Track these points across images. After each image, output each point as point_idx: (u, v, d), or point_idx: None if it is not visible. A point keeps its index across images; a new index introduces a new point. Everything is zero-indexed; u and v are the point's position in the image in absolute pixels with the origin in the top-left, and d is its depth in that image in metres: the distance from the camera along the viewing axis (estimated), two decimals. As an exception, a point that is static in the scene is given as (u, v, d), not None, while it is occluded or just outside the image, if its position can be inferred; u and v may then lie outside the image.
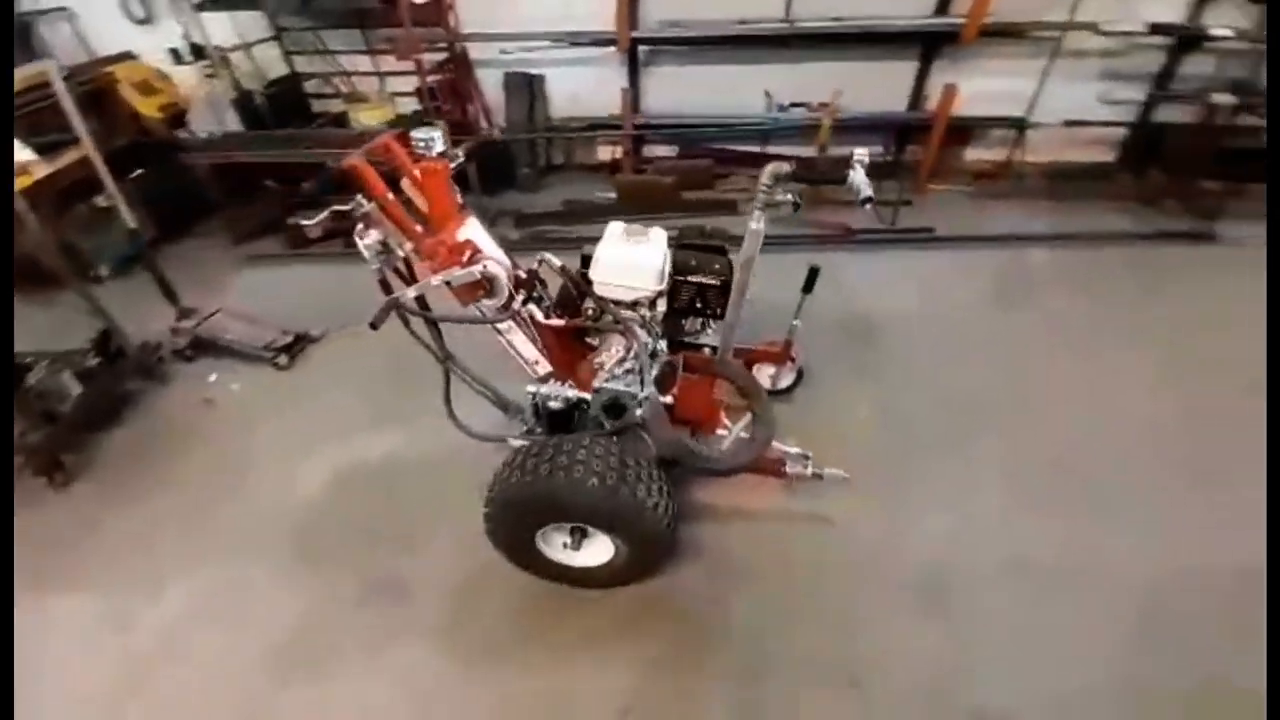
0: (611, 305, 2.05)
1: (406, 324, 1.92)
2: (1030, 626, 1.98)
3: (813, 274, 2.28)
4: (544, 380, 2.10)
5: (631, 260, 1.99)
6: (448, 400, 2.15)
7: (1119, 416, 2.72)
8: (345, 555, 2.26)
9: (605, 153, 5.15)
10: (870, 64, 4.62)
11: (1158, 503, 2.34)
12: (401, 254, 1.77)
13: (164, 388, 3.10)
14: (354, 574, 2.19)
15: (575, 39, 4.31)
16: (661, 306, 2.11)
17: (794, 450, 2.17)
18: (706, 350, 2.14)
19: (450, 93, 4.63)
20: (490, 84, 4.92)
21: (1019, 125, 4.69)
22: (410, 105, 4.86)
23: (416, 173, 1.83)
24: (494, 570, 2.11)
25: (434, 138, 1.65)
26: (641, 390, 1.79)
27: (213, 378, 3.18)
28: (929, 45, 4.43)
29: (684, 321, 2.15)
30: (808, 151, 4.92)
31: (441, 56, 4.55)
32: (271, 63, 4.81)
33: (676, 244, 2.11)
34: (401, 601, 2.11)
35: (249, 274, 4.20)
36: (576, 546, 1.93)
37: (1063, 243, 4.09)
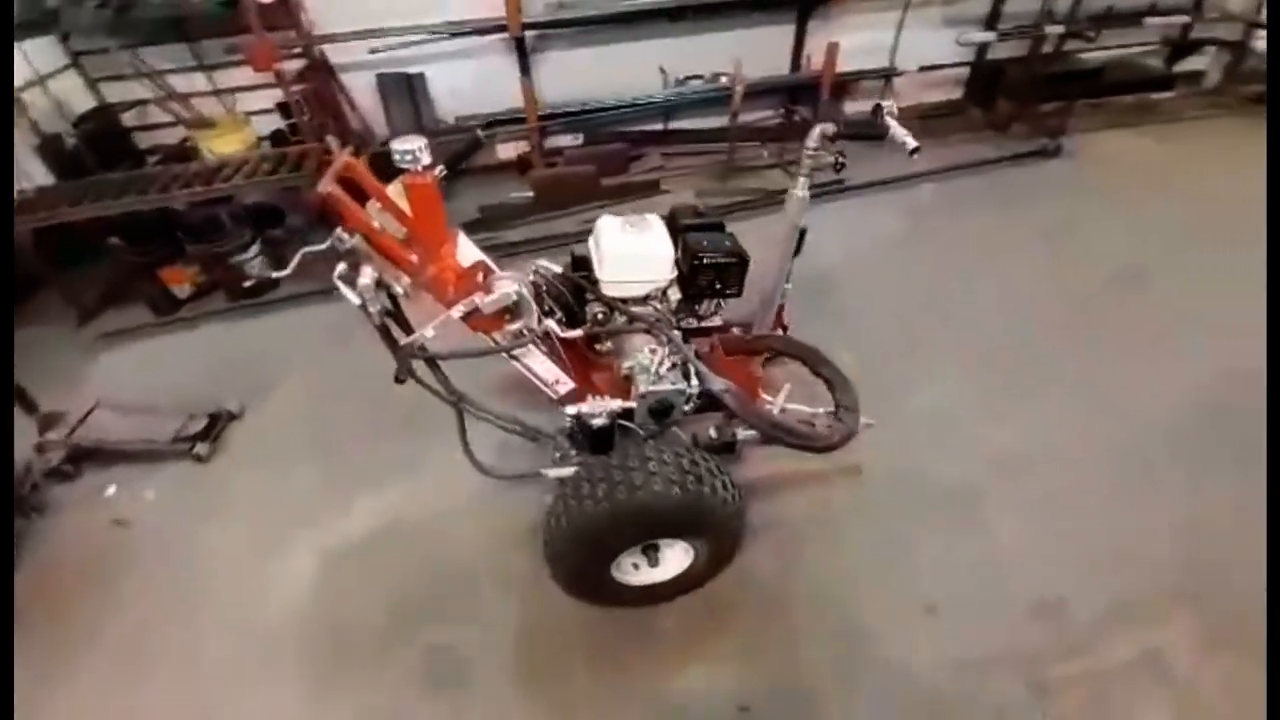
0: (621, 304, 1.93)
1: (413, 373, 1.64)
2: (1047, 513, 2.20)
3: (800, 236, 2.29)
4: (567, 399, 1.92)
5: (641, 251, 1.88)
6: (464, 443, 1.90)
7: (1033, 311, 3.17)
8: (374, 649, 1.94)
9: (507, 150, 4.83)
10: (752, 31, 4.75)
11: (1092, 379, 2.75)
12: (400, 290, 1.50)
13: (50, 519, 2.44)
14: (394, 667, 1.89)
15: (457, 30, 3.94)
16: (674, 295, 2.02)
17: (821, 410, 2.20)
18: (735, 330, 2.09)
19: (317, 104, 4.04)
20: (361, 89, 4.38)
21: (886, 75, 5.11)
22: (269, 124, 4.19)
23: (388, 193, 1.57)
24: (549, 616, 1.95)
25: (419, 148, 1.40)
26: (704, 384, 1.68)
27: (111, 490, 2.56)
28: (805, 7, 4.63)
29: (698, 306, 2.07)
30: (712, 123, 4.99)
31: (299, 64, 3.96)
32: (73, 95, 3.87)
33: (676, 227, 2.01)
34: (463, 680, 1.85)
35: (108, 356, 3.42)
36: (654, 563, 1.81)
37: (942, 175, 4.58)
